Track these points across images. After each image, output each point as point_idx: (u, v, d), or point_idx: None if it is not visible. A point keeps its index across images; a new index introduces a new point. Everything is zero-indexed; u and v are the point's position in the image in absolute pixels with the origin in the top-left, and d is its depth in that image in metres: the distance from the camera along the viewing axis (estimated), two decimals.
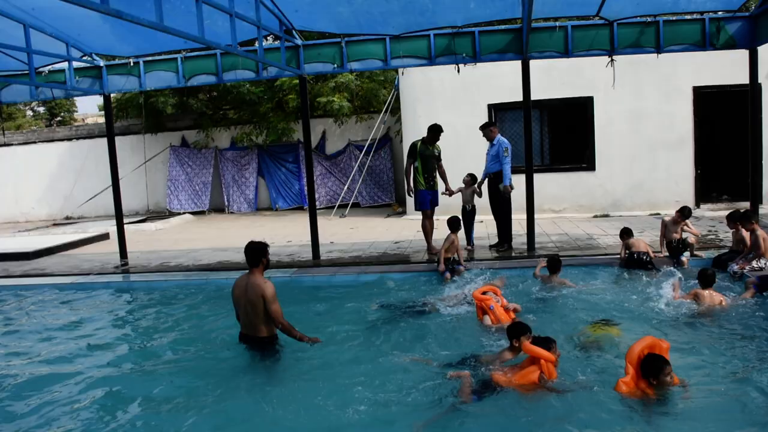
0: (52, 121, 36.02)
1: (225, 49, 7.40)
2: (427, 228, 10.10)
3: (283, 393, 4.96)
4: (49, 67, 10.41)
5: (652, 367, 4.28)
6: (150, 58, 10.23)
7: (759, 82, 9.86)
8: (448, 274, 8.48)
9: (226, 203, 19.82)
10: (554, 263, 7.86)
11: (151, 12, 5.88)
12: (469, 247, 10.14)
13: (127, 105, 19.14)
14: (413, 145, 9.99)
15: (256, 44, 9.64)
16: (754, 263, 7.59)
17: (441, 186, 10.14)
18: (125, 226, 11.83)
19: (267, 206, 19.89)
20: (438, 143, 10.00)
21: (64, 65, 10.32)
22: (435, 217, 10.28)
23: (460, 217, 9.29)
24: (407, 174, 9.95)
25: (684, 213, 8.67)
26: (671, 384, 4.29)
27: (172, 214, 19.24)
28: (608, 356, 5.27)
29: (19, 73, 10.29)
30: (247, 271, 5.77)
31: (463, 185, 10.28)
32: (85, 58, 10.19)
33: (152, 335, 6.95)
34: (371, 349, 5.87)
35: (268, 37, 14.93)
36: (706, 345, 5.47)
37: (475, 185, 10.30)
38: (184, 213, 19.31)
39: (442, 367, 5.07)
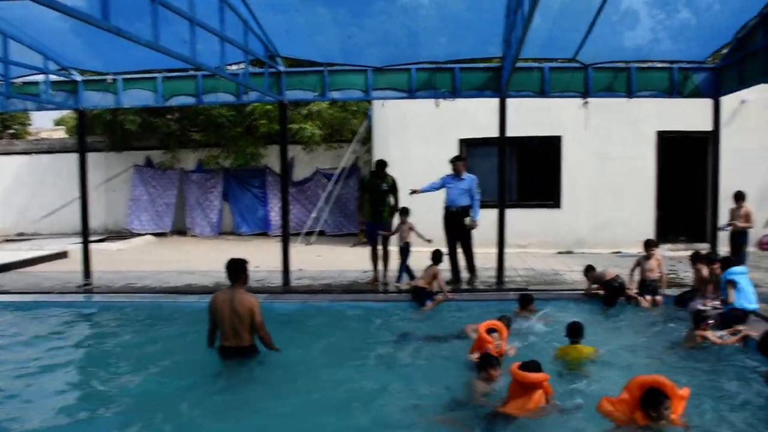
0: (2, 133, 35.16)
1: (213, 71, 7.48)
2: (372, 256, 10.45)
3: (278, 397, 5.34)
4: (23, 78, 10.28)
5: (653, 398, 4.35)
6: (128, 76, 10.20)
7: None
8: (429, 303, 8.62)
9: (189, 226, 19.63)
10: (525, 299, 8.08)
11: (144, 30, 5.95)
12: (398, 285, 10.00)
13: (93, 121, 18.89)
14: (362, 179, 10.29)
15: (234, 67, 9.78)
16: (717, 302, 7.92)
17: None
18: None
19: (230, 230, 19.76)
20: (390, 176, 10.22)
21: (38, 77, 10.20)
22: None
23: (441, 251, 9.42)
24: (358, 206, 10.27)
25: (650, 244, 9.05)
26: (668, 419, 4.36)
27: (132, 235, 18.99)
28: (591, 377, 5.62)
29: None
30: (227, 287, 6.19)
31: (399, 221, 10.19)
32: (62, 71, 10.11)
33: (129, 356, 6.85)
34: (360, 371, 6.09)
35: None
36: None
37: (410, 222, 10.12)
38: (145, 234, 19.07)
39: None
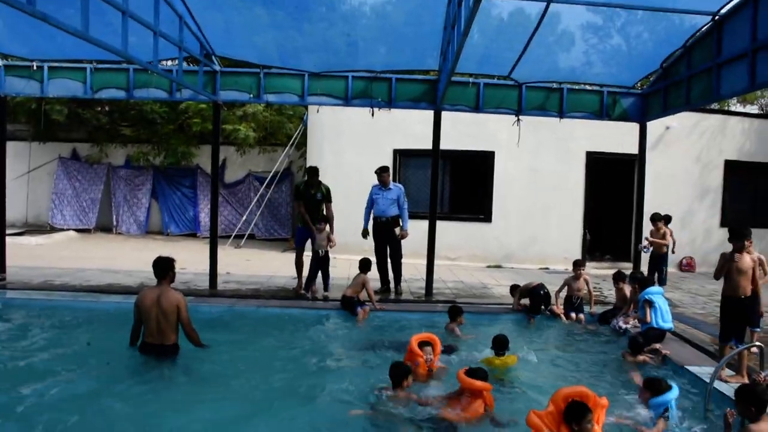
0: None
1: (145, 66, 7.29)
2: (298, 263, 10.12)
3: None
4: None
5: (575, 412, 4.36)
6: (56, 65, 9.81)
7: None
8: (361, 311, 8.60)
9: (115, 223, 19.04)
10: (454, 311, 8.09)
11: (73, 18, 5.74)
12: (326, 293, 9.74)
13: (16, 109, 18.11)
14: (297, 186, 10.18)
15: (169, 63, 9.56)
16: (637, 321, 8.17)
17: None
18: None
19: (158, 230, 19.26)
20: (324, 184, 9.99)
21: None
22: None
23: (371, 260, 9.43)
24: (300, 214, 10.01)
25: (578, 264, 9.31)
26: None
27: (54, 230, 18.27)
28: (517, 387, 5.85)
29: None
30: (155, 284, 6.31)
31: (317, 231, 9.67)
32: None
33: (39, 356, 6.52)
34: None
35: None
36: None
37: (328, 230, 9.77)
38: (68, 229, 18.38)
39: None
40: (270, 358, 6.64)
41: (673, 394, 5.01)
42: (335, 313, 8.86)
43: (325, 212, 9.99)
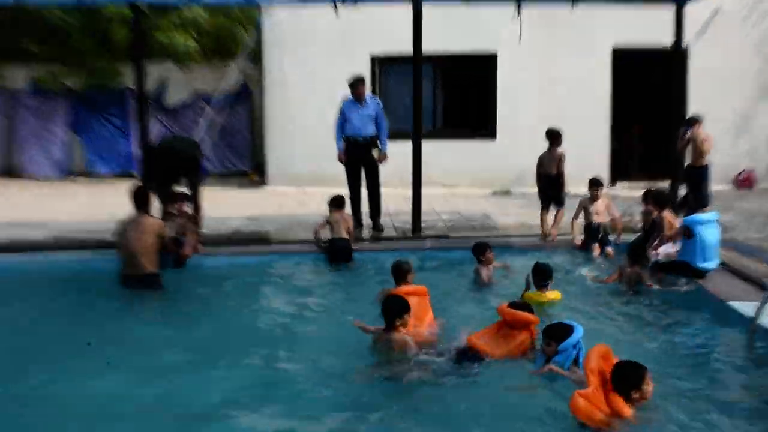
0: None
1: None
2: None
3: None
4: None
5: (633, 375, 4.28)
6: None
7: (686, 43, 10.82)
8: None
9: (23, 164, 19.04)
10: (478, 249, 8.20)
11: None
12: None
13: None
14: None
15: None
16: (669, 248, 8.10)
17: None
18: None
19: (81, 170, 19.24)
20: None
21: None
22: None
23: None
24: None
25: (594, 183, 9.49)
26: (649, 394, 4.36)
27: None
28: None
29: None
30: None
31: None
32: None
33: None
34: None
35: None
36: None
37: None
38: None
39: None
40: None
41: (579, 332, 5.08)
42: (311, 257, 9.14)
43: None
